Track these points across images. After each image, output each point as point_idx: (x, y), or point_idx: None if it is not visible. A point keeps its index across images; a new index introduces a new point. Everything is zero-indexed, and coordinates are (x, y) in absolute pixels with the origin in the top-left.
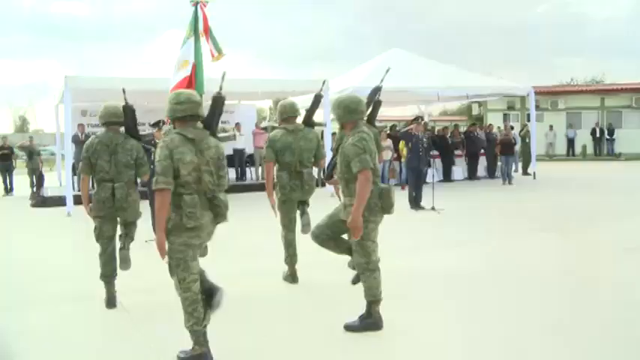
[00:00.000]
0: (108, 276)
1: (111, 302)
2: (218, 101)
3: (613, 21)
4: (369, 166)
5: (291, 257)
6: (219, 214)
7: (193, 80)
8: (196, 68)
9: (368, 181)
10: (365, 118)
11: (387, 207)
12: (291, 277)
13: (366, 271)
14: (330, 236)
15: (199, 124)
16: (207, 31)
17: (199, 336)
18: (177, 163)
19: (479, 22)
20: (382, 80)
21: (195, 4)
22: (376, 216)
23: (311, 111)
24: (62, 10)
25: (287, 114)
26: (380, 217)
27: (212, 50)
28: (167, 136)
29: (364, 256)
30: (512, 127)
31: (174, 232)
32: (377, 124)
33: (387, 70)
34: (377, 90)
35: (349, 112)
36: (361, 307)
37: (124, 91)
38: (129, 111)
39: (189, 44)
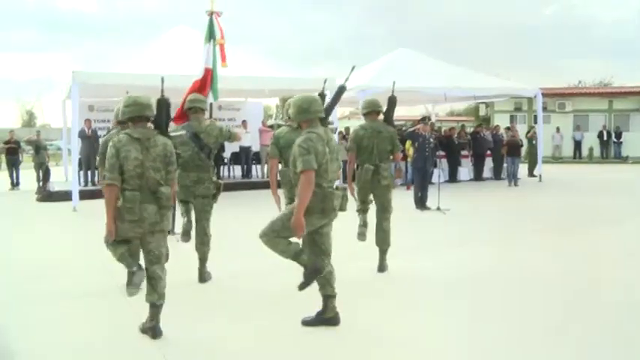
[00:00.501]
0: None
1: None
2: (162, 103)
3: (621, 23)
4: (311, 167)
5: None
6: (162, 205)
7: (207, 85)
8: (212, 75)
9: (309, 182)
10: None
11: (326, 210)
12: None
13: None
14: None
15: (150, 125)
16: (223, 38)
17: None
18: (123, 160)
19: (486, 23)
20: (347, 80)
21: (211, 14)
22: (311, 217)
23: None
24: (70, 6)
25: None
26: (318, 220)
27: (224, 56)
28: (116, 137)
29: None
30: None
31: (119, 218)
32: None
33: (352, 69)
34: (341, 90)
35: (301, 111)
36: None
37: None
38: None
39: (205, 50)
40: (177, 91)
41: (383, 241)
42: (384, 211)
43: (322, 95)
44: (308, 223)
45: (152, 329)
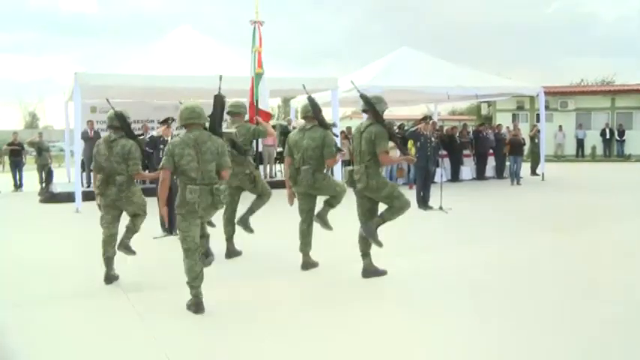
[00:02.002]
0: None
1: None
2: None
3: (624, 21)
4: (164, 167)
5: (304, 246)
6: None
7: (252, 91)
8: (254, 80)
9: (162, 180)
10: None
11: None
12: (304, 264)
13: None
14: None
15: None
16: (261, 46)
17: None
18: (96, 156)
19: (489, 22)
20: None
21: (254, 24)
22: (181, 210)
23: (316, 112)
24: (71, 7)
25: (302, 114)
26: (192, 217)
27: (260, 63)
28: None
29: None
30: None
31: None
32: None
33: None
34: (216, 99)
35: (180, 118)
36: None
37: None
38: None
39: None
40: (181, 92)
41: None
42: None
43: (220, 96)
44: (182, 218)
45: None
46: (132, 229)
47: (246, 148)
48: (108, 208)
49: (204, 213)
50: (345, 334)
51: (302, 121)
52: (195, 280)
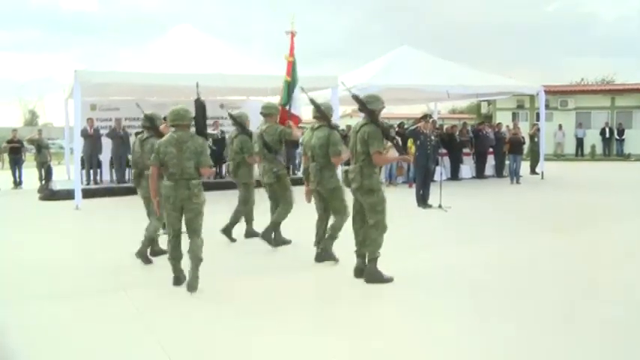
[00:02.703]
0: None
1: None
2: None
3: (624, 20)
4: (152, 163)
5: (318, 239)
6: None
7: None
8: (284, 86)
9: (151, 175)
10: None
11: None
12: (317, 256)
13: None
14: None
15: None
16: (292, 56)
17: None
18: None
19: (489, 22)
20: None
21: (288, 34)
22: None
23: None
24: (71, 5)
25: (312, 113)
26: (167, 206)
27: (289, 72)
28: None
29: None
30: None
31: None
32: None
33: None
34: (197, 103)
35: (169, 119)
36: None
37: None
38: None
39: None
40: (179, 90)
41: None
42: None
43: (199, 101)
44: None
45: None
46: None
47: (276, 148)
48: (146, 200)
49: (183, 204)
50: (344, 331)
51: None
52: (170, 260)
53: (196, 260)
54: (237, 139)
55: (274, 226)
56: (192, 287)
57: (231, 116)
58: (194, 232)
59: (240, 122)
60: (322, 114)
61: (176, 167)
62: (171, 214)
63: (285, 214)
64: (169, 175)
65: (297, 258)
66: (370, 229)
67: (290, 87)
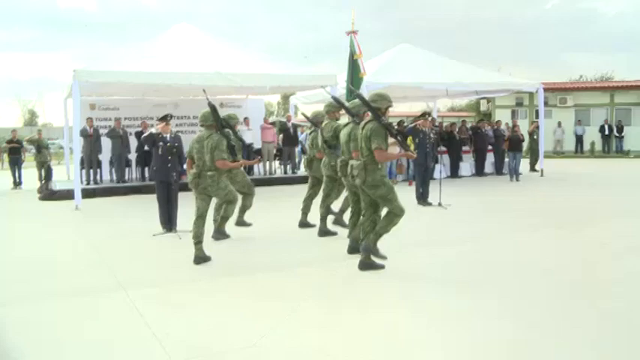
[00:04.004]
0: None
1: None
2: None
3: (623, 16)
4: (187, 156)
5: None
6: None
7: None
8: (354, 83)
9: (187, 165)
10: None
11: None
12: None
13: None
14: None
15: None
16: (361, 53)
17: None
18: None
19: (487, 18)
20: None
21: (350, 34)
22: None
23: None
24: (70, 5)
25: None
26: (194, 192)
27: (363, 68)
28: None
29: None
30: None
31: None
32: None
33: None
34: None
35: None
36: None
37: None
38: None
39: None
40: (179, 89)
41: None
42: None
43: (210, 104)
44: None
45: None
46: (225, 216)
47: (332, 143)
48: (202, 195)
49: (205, 190)
50: (341, 327)
51: (301, 117)
52: (194, 239)
53: (225, 218)
54: (310, 136)
55: (342, 213)
56: (217, 232)
57: (305, 115)
58: (228, 202)
59: (314, 121)
60: (346, 110)
61: (199, 160)
62: (197, 198)
63: (347, 204)
64: (195, 167)
65: (289, 256)
66: (388, 215)
67: (360, 82)
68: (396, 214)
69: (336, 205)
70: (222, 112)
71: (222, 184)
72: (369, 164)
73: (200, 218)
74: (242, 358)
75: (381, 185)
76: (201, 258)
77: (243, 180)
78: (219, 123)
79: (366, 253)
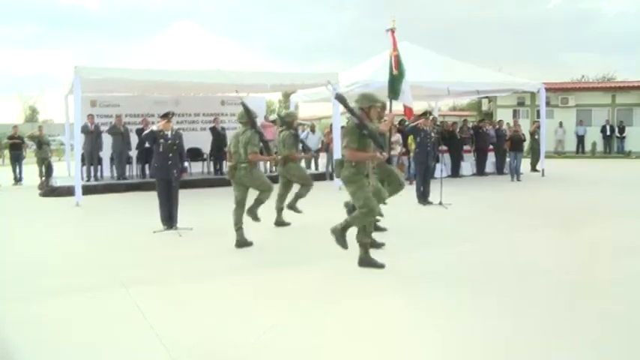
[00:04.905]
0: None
1: None
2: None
3: (625, 16)
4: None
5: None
6: None
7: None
8: (390, 80)
9: (228, 156)
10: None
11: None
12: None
13: None
14: None
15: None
16: (396, 50)
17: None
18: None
19: (489, 18)
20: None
21: (388, 31)
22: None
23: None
24: (72, 2)
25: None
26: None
27: (396, 65)
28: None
29: None
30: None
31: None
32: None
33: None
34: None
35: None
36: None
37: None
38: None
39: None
40: (179, 86)
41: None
42: None
43: (243, 104)
44: None
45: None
46: (259, 201)
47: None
48: (238, 185)
49: (240, 180)
50: (340, 325)
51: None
52: (235, 226)
53: (259, 202)
54: (280, 136)
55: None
56: (251, 211)
57: (279, 116)
58: (264, 190)
59: (287, 121)
60: (351, 111)
61: (235, 154)
62: (234, 188)
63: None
64: (233, 160)
65: (290, 254)
66: (358, 210)
67: (396, 80)
68: (363, 213)
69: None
70: (222, 110)
71: (255, 175)
72: (345, 161)
73: (239, 206)
74: (242, 355)
75: (350, 183)
76: (242, 242)
77: (299, 173)
78: (252, 120)
79: (362, 247)
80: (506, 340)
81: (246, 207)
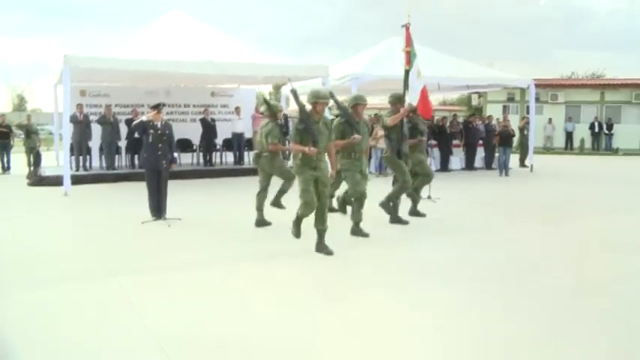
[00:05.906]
0: None
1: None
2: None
3: (616, 14)
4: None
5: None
6: None
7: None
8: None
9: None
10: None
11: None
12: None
13: None
14: None
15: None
16: (409, 47)
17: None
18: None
19: (479, 14)
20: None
21: (404, 26)
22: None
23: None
24: None
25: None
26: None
27: (407, 61)
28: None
29: None
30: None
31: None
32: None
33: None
34: None
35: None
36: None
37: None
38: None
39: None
40: (170, 76)
41: None
42: None
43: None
44: None
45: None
46: (282, 191)
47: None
48: (262, 172)
49: (264, 167)
50: (335, 318)
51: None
52: (256, 207)
53: (282, 192)
54: (264, 129)
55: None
56: (275, 202)
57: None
58: (285, 179)
59: (273, 112)
60: (340, 106)
61: (259, 143)
62: (259, 174)
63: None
64: (258, 148)
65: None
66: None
67: (406, 76)
68: (302, 205)
69: None
70: (213, 101)
71: (276, 164)
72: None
73: (262, 190)
74: (234, 346)
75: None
76: (261, 222)
77: (283, 167)
78: (273, 112)
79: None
80: (506, 338)
81: (269, 196)
